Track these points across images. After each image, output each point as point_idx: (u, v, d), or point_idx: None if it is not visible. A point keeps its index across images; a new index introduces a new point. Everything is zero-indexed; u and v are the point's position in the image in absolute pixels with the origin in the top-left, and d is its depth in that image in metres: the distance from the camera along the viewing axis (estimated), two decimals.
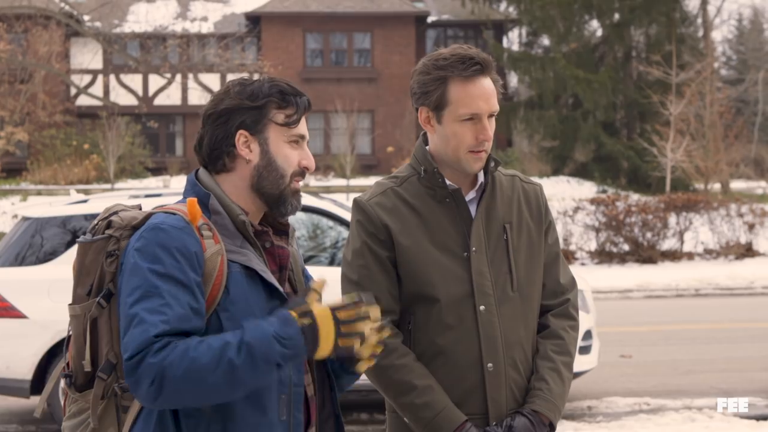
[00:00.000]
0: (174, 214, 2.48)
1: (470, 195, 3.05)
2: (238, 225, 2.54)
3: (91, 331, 2.49)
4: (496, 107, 2.98)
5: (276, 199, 2.58)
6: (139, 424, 2.46)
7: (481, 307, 2.98)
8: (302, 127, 2.62)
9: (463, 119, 2.96)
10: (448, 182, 3.02)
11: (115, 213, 2.55)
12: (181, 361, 2.30)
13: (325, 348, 2.38)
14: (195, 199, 2.50)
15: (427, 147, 3.08)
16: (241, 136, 2.56)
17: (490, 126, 2.98)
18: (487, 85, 2.96)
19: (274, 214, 2.62)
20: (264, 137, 2.57)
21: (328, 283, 4.41)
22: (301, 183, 2.62)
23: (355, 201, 3.07)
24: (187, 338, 2.35)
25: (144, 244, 2.42)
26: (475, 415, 2.99)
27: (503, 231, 3.04)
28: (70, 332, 2.56)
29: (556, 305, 3.11)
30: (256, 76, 2.65)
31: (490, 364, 2.98)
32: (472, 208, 3.04)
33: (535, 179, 3.26)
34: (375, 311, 2.45)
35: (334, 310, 2.39)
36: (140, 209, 2.61)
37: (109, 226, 2.52)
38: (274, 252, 2.62)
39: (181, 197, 2.63)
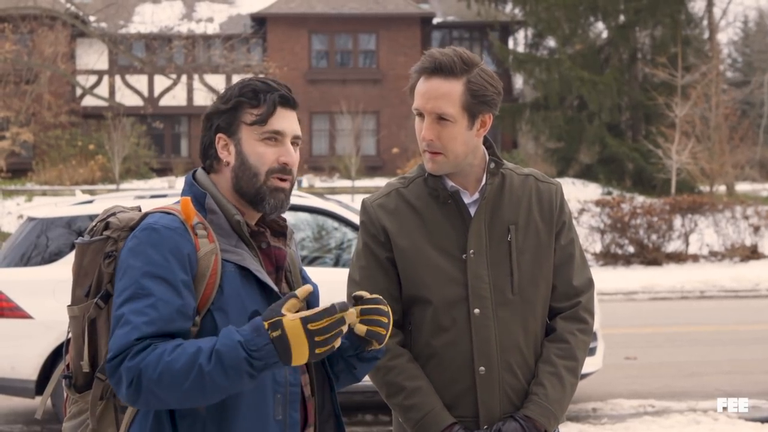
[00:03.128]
0: (169, 213, 2.49)
1: (474, 196, 3.03)
2: (234, 224, 2.54)
3: (89, 332, 2.50)
4: (440, 109, 2.90)
5: (253, 197, 2.56)
6: (136, 425, 2.46)
7: (476, 311, 2.96)
8: (278, 123, 2.57)
9: (416, 115, 2.97)
10: (449, 184, 3.01)
11: (113, 214, 2.56)
12: (157, 365, 2.30)
13: (299, 358, 2.33)
14: (189, 199, 2.50)
15: None
16: (220, 140, 2.58)
17: (444, 131, 2.92)
18: (437, 85, 2.92)
19: (259, 212, 2.61)
20: (238, 138, 2.57)
21: (334, 283, 4.43)
22: (285, 182, 2.58)
23: (361, 202, 3.10)
24: (166, 341, 2.35)
25: (135, 244, 2.43)
26: (466, 418, 2.98)
27: (507, 232, 3.01)
28: (70, 333, 2.57)
29: (567, 308, 3.06)
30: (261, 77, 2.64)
31: (482, 368, 2.96)
32: (475, 210, 3.02)
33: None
34: (351, 316, 2.43)
35: (305, 321, 2.32)
36: (140, 211, 2.61)
37: (107, 227, 2.53)
38: (270, 252, 2.61)
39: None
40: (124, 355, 2.33)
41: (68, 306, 2.55)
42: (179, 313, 2.39)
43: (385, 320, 2.52)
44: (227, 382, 2.31)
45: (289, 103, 2.59)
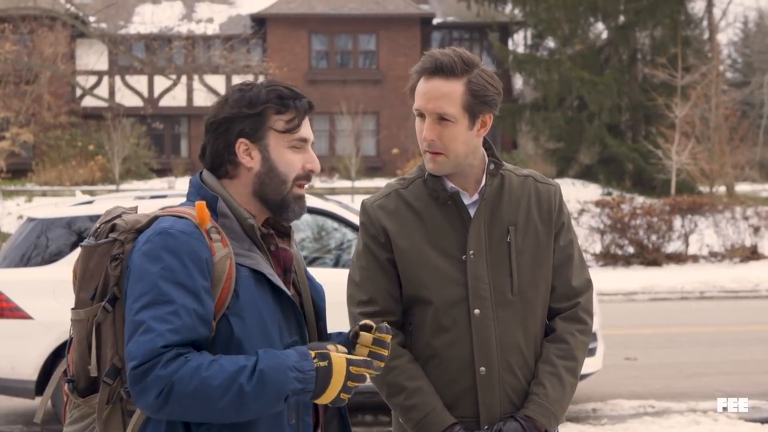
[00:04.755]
0: (182, 217, 2.45)
1: (474, 197, 3.04)
2: (246, 228, 2.52)
3: (95, 336, 2.47)
4: (441, 109, 2.91)
5: (278, 204, 2.56)
6: (149, 430, 2.44)
7: (476, 311, 2.97)
8: (304, 131, 2.58)
9: (417, 115, 2.98)
10: (449, 185, 3.02)
11: (119, 216, 2.53)
12: (192, 379, 2.29)
13: (329, 395, 2.38)
14: (204, 203, 2.47)
15: None
16: (241, 144, 2.54)
17: (444, 131, 2.93)
18: (438, 85, 2.93)
19: (278, 219, 2.60)
20: (264, 144, 2.54)
21: (334, 284, 4.43)
22: (305, 187, 2.59)
23: (361, 203, 3.11)
24: (198, 353, 2.34)
25: (150, 248, 2.39)
26: (466, 418, 2.99)
27: (506, 233, 3.02)
28: (71, 336, 2.53)
29: (566, 308, 3.08)
30: (261, 79, 2.63)
31: (482, 368, 2.97)
32: (475, 211, 3.02)
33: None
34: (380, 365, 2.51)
35: (349, 363, 2.38)
36: (136, 211, 2.58)
37: (113, 229, 2.49)
38: (278, 255, 2.60)
39: (185, 199, 2.62)
40: (153, 363, 2.30)
41: (72, 309, 2.51)
42: (201, 320, 2.37)
43: (385, 353, 2.55)
44: (262, 404, 2.33)
45: (312, 109, 2.61)
